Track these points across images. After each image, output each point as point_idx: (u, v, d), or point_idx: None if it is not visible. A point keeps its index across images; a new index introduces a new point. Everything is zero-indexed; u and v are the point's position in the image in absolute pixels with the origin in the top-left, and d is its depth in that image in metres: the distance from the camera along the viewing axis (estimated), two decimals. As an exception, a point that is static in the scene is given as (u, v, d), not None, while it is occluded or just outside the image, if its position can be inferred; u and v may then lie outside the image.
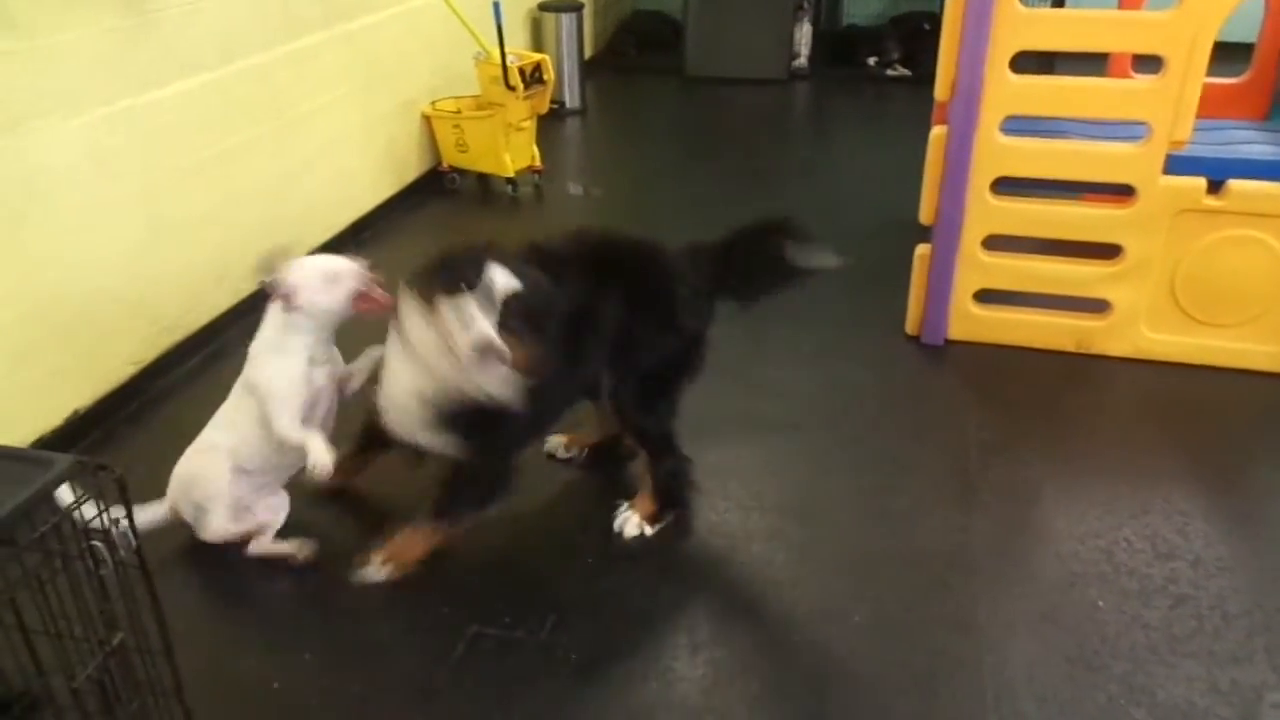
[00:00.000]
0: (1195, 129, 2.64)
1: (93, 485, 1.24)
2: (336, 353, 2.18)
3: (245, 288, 3.22)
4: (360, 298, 2.06)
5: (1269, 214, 2.68)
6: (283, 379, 2.06)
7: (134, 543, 1.28)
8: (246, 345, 3.02)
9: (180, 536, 2.18)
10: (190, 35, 2.84)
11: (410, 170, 4.26)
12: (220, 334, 3.09)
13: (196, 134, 2.91)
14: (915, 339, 3.07)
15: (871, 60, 6.26)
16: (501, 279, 1.80)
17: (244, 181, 3.16)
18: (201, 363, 2.98)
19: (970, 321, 3.02)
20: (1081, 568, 2.14)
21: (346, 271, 2.05)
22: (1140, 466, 2.50)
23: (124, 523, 1.28)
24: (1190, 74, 2.55)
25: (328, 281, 2.03)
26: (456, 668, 1.90)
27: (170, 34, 2.76)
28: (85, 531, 1.24)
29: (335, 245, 3.69)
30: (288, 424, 2.05)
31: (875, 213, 4.03)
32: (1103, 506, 2.33)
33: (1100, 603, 2.05)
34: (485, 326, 1.76)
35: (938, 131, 2.80)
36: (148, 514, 2.09)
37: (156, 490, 2.17)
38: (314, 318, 2.06)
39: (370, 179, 3.96)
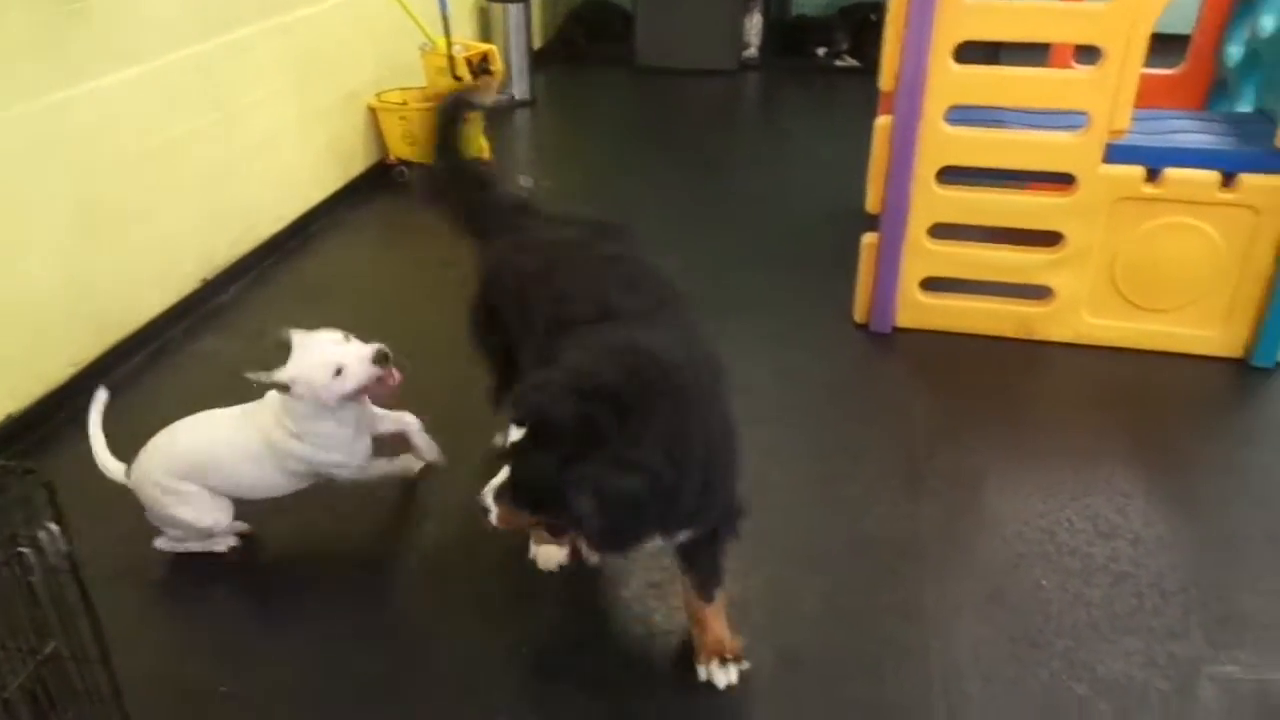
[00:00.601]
0: (1134, 119, 2.68)
1: (19, 491, 1.20)
2: (370, 411, 2.15)
3: (188, 285, 3.16)
4: (369, 388, 2.00)
5: (1205, 201, 2.73)
6: (341, 448, 2.07)
7: (64, 548, 1.25)
8: (190, 344, 3.03)
9: (119, 540, 2.14)
10: (123, 25, 2.77)
11: (357, 163, 4.20)
12: (163, 332, 3.03)
13: (132, 127, 2.84)
14: (863, 327, 3.10)
15: (821, 51, 6.29)
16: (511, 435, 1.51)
17: (184, 175, 3.09)
18: (144, 361, 2.92)
19: (917, 309, 3.05)
20: (1026, 549, 2.18)
21: (354, 363, 1.95)
22: (1082, 449, 2.55)
23: (54, 528, 1.24)
24: (1128, 64, 2.60)
25: (331, 375, 1.94)
26: (412, 665, 1.89)
27: (103, 24, 2.69)
28: (12, 538, 1.20)
29: (281, 240, 3.63)
30: (362, 470, 2.14)
31: (824, 202, 4.06)
32: (1046, 489, 2.38)
33: (1044, 582, 2.09)
34: (488, 488, 1.56)
35: (883, 121, 2.83)
36: None
37: (97, 495, 2.12)
38: (323, 405, 1.99)
39: (315, 172, 3.90)
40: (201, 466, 2.04)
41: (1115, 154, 2.73)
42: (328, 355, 1.94)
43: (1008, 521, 2.27)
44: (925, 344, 3.03)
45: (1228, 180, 2.70)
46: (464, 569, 2.14)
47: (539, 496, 1.50)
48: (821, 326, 3.13)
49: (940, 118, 2.76)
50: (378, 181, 4.29)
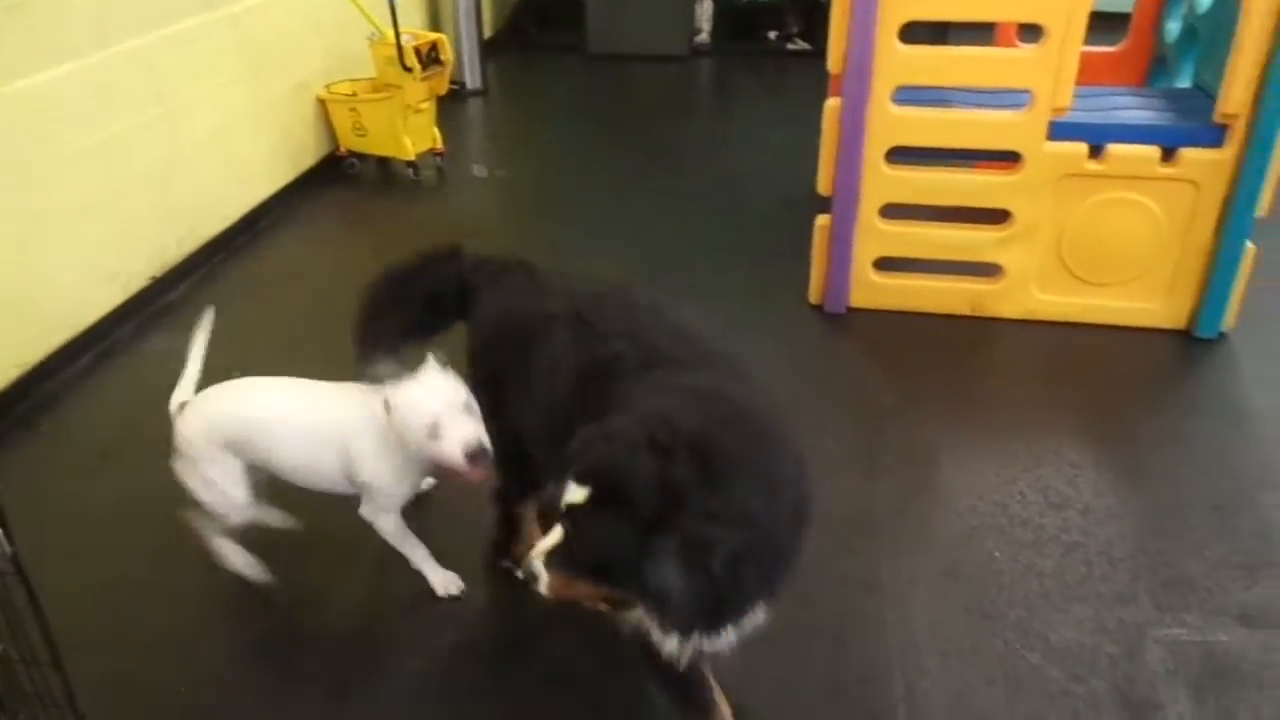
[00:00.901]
0: (1076, 96, 2.73)
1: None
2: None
3: (136, 284, 3.10)
4: (448, 467, 1.82)
5: (1146, 176, 2.79)
6: (389, 474, 1.92)
7: (8, 550, 1.23)
8: (139, 343, 2.98)
9: (76, 542, 2.11)
10: (59, 19, 2.70)
11: (307, 156, 4.15)
12: (111, 332, 2.98)
13: (73, 122, 2.78)
14: (818, 308, 3.12)
15: (772, 34, 6.32)
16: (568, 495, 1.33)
17: (129, 171, 3.03)
18: (93, 362, 2.87)
19: (870, 289, 3.08)
20: (979, 522, 2.22)
21: (448, 439, 1.77)
22: (1033, 422, 2.60)
23: (-3, 531, 1.22)
24: (1069, 42, 2.64)
25: (427, 431, 1.77)
26: (370, 663, 1.88)
27: (37, 18, 2.62)
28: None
29: (231, 235, 3.58)
30: (395, 520, 1.98)
31: (778, 185, 4.08)
32: (998, 462, 2.42)
33: (996, 554, 2.13)
34: (538, 550, 1.39)
35: (832, 103, 2.85)
36: None
37: (46, 498, 2.09)
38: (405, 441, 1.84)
39: (264, 166, 3.85)
40: (248, 437, 1.93)
41: (1059, 131, 2.77)
42: (431, 412, 1.78)
43: (961, 496, 2.31)
44: (879, 323, 3.07)
45: (1168, 155, 2.75)
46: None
47: (606, 564, 1.31)
48: (776, 309, 3.16)
49: (888, 99, 2.79)
50: (329, 174, 4.24)
